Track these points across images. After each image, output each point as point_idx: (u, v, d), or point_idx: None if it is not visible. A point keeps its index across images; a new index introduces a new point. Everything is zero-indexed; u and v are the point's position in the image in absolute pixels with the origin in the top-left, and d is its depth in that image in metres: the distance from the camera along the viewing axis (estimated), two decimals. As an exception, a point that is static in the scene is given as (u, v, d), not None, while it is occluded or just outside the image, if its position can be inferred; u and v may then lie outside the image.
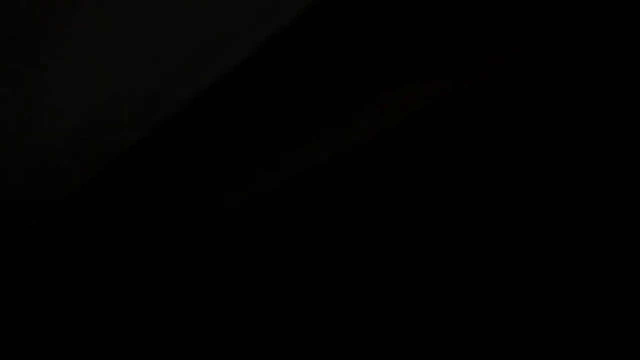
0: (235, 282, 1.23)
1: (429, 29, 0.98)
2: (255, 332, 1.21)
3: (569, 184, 1.10)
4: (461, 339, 1.14)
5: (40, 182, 1.05)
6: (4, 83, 0.94)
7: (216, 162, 1.14)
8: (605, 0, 0.98)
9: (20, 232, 1.13)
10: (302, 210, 1.20)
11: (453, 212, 1.15)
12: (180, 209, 1.19)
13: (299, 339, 1.19)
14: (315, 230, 1.20)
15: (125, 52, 0.90)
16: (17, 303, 1.24)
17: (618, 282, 1.08)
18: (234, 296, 1.22)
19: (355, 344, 1.17)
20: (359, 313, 1.18)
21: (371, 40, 1.00)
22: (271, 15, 0.86)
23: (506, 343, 1.11)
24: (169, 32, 0.89)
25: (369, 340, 1.17)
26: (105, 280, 1.24)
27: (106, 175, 1.12)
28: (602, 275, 1.09)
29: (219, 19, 0.86)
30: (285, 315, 1.20)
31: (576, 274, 1.10)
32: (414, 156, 1.15)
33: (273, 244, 1.21)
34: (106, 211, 1.18)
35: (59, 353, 1.24)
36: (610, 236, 1.09)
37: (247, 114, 1.09)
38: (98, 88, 0.94)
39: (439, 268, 1.15)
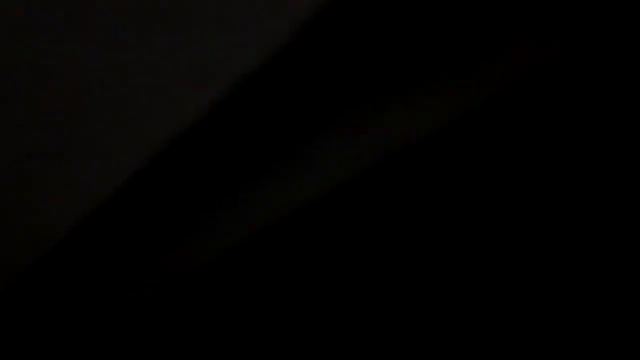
0: (231, 317, 1.24)
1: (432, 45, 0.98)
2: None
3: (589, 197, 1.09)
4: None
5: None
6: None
7: (205, 200, 1.15)
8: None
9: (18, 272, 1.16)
10: (298, 245, 1.20)
11: (466, 231, 1.14)
12: (157, 255, 1.20)
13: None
14: (310, 266, 1.20)
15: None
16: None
17: (618, 304, 1.08)
18: (225, 336, 1.23)
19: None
20: (357, 347, 1.18)
21: (369, 63, 1.00)
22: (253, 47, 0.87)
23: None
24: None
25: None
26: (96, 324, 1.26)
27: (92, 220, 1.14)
28: (603, 293, 1.09)
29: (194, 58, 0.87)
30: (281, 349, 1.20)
31: (579, 293, 1.10)
32: (416, 181, 1.14)
33: (268, 280, 1.22)
34: (95, 255, 1.20)
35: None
36: (619, 259, 1.08)
37: (238, 143, 1.09)
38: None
39: (442, 301, 1.15)
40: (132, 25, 0.83)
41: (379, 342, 1.18)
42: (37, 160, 0.99)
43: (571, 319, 1.09)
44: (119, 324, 1.27)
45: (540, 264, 1.11)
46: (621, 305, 1.06)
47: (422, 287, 1.16)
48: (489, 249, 1.12)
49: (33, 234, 1.10)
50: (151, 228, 1.18)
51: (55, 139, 0.96)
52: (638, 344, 1.05)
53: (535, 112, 1.06)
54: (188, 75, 0.89)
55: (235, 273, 1.23)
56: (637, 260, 1.05)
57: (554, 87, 1.04)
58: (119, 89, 0.91)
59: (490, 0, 0.91)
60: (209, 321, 1.25)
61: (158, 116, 0.93)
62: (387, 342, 1.18)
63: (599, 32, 0.94)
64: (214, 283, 1.24)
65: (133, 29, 0.84)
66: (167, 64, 0.87)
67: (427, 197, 1.13)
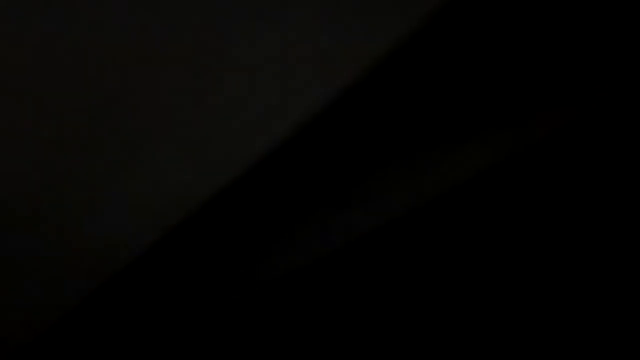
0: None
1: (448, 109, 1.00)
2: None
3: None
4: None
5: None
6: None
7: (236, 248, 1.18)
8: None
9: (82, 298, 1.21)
10: (312, 297, 1.21)
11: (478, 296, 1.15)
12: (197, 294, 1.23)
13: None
14: (324, 317, 1.21)
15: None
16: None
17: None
18: None
19: None
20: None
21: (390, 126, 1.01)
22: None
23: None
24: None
25: None
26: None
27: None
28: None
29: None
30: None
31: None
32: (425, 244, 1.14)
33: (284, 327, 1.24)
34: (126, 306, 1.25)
35: None
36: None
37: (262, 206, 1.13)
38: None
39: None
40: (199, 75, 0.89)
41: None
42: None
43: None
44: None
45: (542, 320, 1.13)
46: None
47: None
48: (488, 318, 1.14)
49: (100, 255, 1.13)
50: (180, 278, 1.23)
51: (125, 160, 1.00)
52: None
53: (534, 184, 1.07)
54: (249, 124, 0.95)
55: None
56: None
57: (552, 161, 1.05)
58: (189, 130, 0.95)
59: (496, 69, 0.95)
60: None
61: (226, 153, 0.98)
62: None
63: (604, 107, 0.96)
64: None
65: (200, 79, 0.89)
66: (229, 112, 0.92)
67: (429, 261, 1.15)
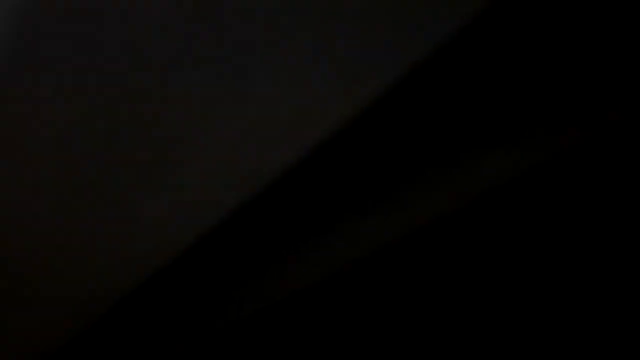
0: None
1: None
2: None
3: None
4: None
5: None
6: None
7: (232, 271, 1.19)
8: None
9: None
10: (313, 318, 1.22)
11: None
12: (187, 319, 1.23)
13: None
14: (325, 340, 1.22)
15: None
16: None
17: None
18: None
19: None
20: None
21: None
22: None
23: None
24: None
25: None
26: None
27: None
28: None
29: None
30: None
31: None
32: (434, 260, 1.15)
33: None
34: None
35: None
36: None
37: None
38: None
39: None
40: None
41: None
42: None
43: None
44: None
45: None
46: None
47: None
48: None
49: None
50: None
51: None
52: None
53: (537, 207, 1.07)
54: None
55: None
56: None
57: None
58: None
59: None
60: None
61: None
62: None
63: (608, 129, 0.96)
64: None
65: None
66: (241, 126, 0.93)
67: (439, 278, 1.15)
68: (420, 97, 0.97)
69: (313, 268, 1.15)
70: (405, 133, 1.00)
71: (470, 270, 1.15)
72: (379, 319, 1.21)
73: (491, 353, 1.15)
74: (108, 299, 1.15)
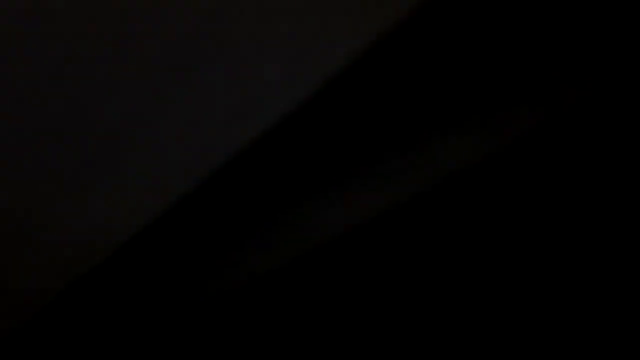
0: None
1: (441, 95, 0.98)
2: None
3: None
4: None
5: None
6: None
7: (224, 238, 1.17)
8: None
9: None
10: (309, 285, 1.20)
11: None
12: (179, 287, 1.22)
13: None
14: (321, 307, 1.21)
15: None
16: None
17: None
18: None
19: None
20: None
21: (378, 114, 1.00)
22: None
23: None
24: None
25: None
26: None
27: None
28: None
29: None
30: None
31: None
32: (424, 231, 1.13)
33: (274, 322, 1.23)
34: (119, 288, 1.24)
35: None
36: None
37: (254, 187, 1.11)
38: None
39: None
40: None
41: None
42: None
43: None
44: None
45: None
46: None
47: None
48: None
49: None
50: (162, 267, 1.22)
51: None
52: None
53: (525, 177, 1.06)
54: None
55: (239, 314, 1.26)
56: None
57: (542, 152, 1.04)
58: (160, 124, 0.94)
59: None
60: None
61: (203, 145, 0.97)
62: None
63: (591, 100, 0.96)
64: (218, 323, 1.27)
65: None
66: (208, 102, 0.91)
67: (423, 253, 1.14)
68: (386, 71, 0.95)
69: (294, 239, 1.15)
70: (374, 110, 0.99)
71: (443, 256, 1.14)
72: (366, 292, 1.20)
73: (467, 333, 1.16)
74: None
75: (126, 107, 0.91)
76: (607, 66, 0.91)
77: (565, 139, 1.02)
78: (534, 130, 0.97)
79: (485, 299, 1.13)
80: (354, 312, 1.21)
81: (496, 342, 1.13)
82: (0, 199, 1.03)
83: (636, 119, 0.99)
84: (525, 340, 1.12)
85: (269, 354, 1.25)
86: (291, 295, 1.23)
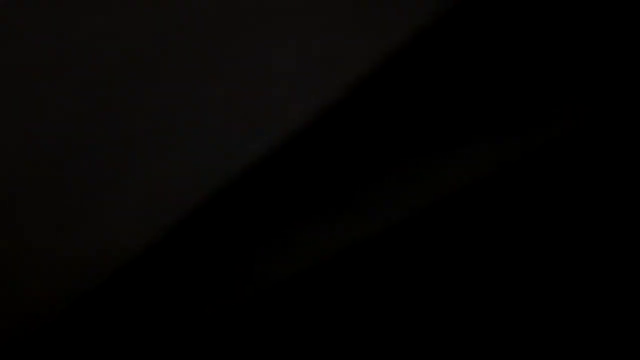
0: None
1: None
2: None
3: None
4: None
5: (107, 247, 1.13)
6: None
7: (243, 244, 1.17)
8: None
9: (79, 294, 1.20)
10: (320, 296, 1.20)
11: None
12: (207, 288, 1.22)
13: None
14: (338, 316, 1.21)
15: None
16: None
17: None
18: None
19: None
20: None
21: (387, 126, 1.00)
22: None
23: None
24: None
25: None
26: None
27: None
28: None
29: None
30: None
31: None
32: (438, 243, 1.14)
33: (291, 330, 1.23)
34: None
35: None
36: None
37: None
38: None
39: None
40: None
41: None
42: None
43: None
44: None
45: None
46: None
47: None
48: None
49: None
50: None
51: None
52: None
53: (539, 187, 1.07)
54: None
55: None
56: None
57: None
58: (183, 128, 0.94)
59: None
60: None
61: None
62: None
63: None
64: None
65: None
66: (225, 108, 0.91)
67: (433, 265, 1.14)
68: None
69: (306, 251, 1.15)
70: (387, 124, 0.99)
71: (457, 260, 1.15)
72: (375, 305, 1.21)
73: (473, 341, 1.16)
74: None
75: (136, 120, 0.92)
76: (616, 79, 0.92)
77: (575, 153, 1.02)
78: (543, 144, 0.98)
79: (489, 316, 1.14)
80: (359, 324, 1.21)
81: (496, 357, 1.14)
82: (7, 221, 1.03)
83: None
84: (526, 349, 1.13)
85: None
86: (297, 309, 1.23)
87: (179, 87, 0.88)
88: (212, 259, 1.19)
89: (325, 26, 0.80)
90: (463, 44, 0.91)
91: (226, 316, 1.25)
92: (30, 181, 1.00)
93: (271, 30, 0.82)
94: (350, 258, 1.17)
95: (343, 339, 1.21)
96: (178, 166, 0.99)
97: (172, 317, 1.27)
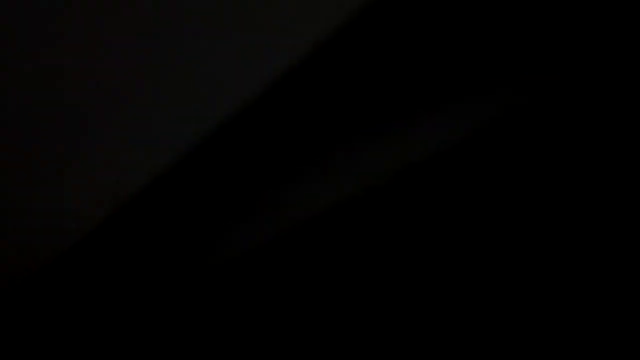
0: (236, 326, 1.24)
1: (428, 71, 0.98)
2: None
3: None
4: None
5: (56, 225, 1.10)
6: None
7: (222, 206, 1.15)
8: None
9: (27, 274, 1.17)
10: (305, 256, 1.20)
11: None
12: (180, 253, 1.20)
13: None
14: (319, 275, 1.20)
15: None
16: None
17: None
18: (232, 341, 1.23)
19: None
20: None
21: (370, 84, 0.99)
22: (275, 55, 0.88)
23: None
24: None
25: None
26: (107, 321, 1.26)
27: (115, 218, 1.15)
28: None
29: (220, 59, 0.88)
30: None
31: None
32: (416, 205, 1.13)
33: (274, 290, 1.22)
34: (112, 254, 1.21)
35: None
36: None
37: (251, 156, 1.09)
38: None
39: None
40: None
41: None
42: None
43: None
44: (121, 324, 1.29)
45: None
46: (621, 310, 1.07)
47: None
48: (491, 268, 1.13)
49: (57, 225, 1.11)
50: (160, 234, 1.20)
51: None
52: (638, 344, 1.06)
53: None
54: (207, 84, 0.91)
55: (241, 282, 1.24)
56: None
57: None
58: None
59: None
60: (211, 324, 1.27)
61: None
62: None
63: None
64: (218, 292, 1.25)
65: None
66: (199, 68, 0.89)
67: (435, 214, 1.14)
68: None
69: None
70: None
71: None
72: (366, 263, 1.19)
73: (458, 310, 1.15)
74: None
75: (97, 89, 0.90)
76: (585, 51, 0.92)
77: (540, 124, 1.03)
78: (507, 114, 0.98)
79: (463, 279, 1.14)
80: (339, 290, 1.20)
81: (472, 328, 1.13)
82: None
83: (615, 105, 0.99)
84: (505, 328, 1.12)
85: (255, 333, 1.23)
86: (275, 274, 1.22)
87: (138, 57, 0.87)
88: (176, 227, 1.17)
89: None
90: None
91: (192, 285, 1.24)
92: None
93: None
94: (323, 223, 1.16)
95: (315, 309, 1.21)
96: (138, 134, 0.97)
97: (135, 289, 1.25)
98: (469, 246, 1.13)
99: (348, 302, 1.20)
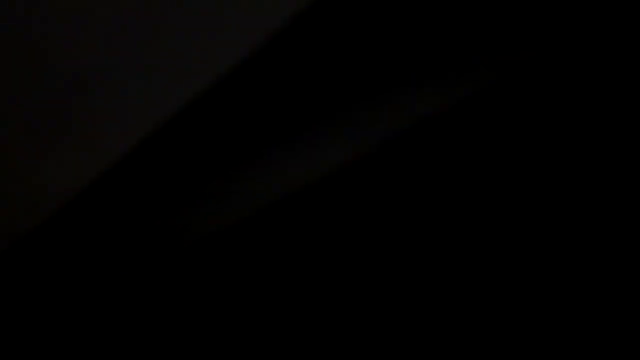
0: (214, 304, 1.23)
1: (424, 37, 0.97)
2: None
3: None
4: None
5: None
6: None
7: (201, 177, 1.14)
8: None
9: None
10: (287, 229, 1.19)
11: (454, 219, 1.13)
12: (154, 231, 1.19)
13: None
14: (303, 248, 1.19)
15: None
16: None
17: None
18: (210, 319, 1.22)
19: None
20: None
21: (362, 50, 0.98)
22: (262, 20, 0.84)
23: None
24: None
25: None
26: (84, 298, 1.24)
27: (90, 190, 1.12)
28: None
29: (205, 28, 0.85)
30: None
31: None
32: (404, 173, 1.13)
33: (255, 264, 1.21)
34: (86, 228, 1.19)
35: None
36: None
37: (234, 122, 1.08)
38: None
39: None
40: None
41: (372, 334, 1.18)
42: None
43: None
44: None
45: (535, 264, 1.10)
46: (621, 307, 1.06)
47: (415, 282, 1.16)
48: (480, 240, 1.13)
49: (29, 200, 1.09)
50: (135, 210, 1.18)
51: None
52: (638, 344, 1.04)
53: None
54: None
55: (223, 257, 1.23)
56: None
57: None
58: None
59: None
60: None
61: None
62: (379, 335, 1.17)
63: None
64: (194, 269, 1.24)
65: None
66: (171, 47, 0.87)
67: (417, 188, 1.14)
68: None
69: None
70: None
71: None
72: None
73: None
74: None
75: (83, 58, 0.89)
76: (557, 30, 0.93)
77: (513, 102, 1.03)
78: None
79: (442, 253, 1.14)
80: (315, 267, 1.19)
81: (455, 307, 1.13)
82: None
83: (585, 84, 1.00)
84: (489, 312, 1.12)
85: (229, 310, 1.22)
86: (257, 248, 1.21)
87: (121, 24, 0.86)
88: (151, 204, 1.16)
89: None
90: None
91: (168, 261, 1.23)
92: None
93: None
94: (299, 200, 1.16)
95: (290, 287, 1.20)
96: (115, 107, 0.96)
97: (110, 265, 1.24)
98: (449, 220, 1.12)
99: (322, 279, 1.18)
